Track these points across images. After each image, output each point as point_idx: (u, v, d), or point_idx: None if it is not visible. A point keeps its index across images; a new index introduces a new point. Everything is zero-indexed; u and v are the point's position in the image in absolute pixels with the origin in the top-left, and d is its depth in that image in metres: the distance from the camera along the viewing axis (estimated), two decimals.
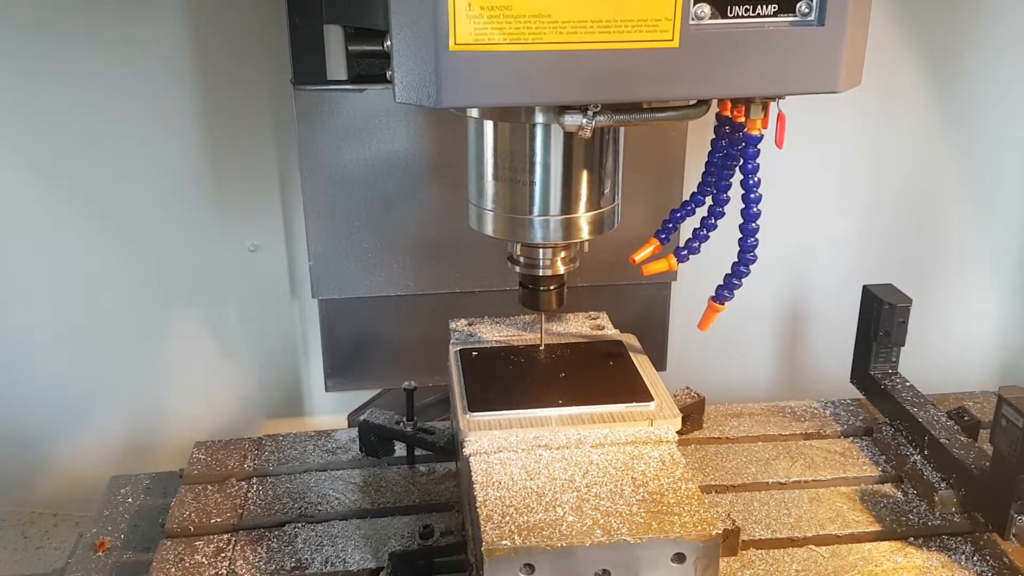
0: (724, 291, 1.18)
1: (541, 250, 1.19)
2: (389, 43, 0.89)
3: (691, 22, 0.89)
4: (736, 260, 1.15)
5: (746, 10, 0.90)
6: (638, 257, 1.26)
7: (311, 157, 1.55)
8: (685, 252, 1.24)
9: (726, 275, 1.17)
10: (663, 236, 1.26)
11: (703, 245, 1.24)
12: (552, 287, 1.22)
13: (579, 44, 0.88)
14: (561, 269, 1.21)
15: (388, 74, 0.91)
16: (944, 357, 2.00)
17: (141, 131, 1.70)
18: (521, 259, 1.21)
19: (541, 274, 1.21)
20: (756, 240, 1.13)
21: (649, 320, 1.75)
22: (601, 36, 0.88)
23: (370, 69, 1.46)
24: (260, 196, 1.79)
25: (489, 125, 1.11)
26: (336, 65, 1.45)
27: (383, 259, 1.63)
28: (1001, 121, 1.90)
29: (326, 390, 1.73)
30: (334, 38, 1.41)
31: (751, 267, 1.15)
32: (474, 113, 1.10)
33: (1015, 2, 1.81)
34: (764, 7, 0.91)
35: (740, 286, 1.17)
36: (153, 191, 1.75)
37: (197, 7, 1.64)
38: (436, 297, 1.65)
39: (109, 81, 1.66)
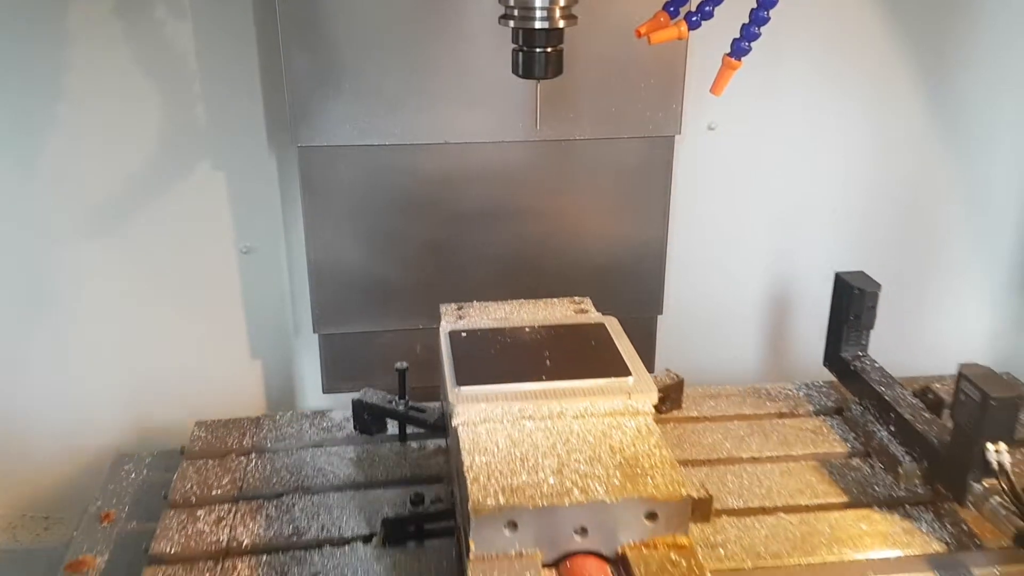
0: (741, 43, 1.11)
1: None
2: None
3: None
4: (748, 21, 1.09)
5: None
6: (644, 28, 1.18)
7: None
8: (697, 17, 1.15)
9: (743, 25, 1.10)
10: (672, 9, 1.18)
11: (716, 9, 1.14)
12: (548, 49, 1.16)
13: None
14: (560, 21, 1.14)
15: None
16: (935, 357, 1.96)
17: (134, 131, 1.66)
18: (516, 12, 1.14)
19: (538, 27, 1.14)
20: None
21: (641, 320, 1.74)
22: None
23: None
24: (257, 197, 1.75)
25: None
26: None
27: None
28: (992, 122, 1.89)
29: (323, 392, 1.73)
30: None
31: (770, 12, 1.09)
32: None
33: (1006, 2, 1.82)
34: None
35: (758, 36, 1.10)
36: (146, 192, 1.71)
37: (194, 7, 1.60)
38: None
39: (102, 81, 1.62)
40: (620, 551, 1.02)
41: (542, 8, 1.13)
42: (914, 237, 1.99)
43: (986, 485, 1.21)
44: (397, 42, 1.50)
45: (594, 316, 1.41)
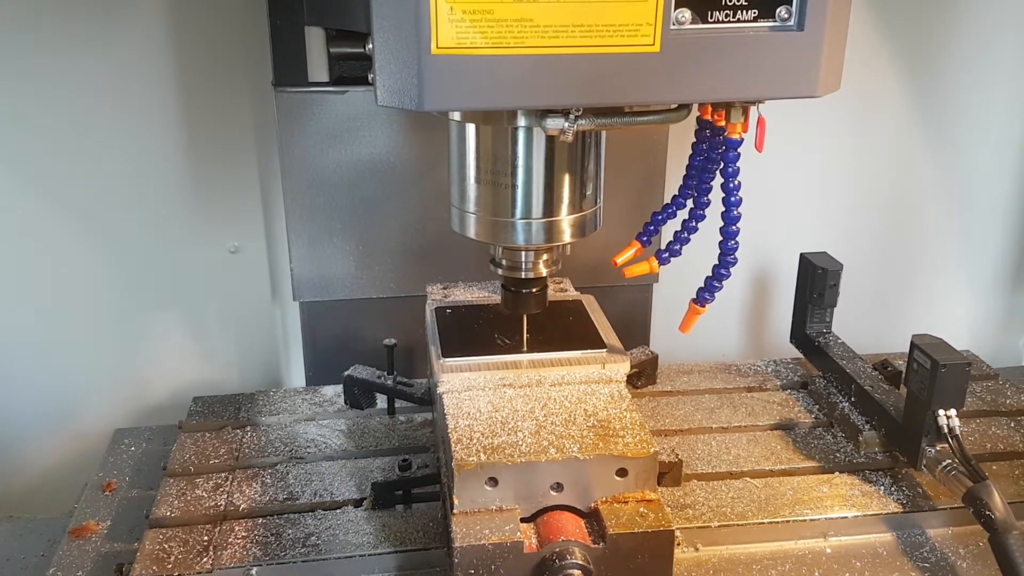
0: (705, 293, 1.20)
1: (523, 253, 1.21)
2: (371, 46, 0.90)
3: (672, 27, 0.91)
4: (717, 263, 1.16)
5: (726, 15, 0.92)
6: (620, 260, 1.29)
7: (292, 159, 1.57)
8: (666, 255, 1.26)
9: (707, 278, 1.19)
10: (644, 239, 1.28)
11: (684, 248, 1.25)
12: (534, 289, 1.26)
13: (561, 48, 0.90)
14: (543, 272, 1.23)
15: (370, 77, 0.91)
16: None
17: (122, 132, 1.69)
18: (503, 262, 1.23)
19: (523, 277, 1.23)
20: (736, 243, 1.14)
21: (632, 321, 1.78)
22: (582, 40, 0.90)
23: (352, 71, 1.45)
24: (241, 198, 1.78)
25: (471, 128, 1.13)
26: (317, 67, 1.40)
27: (364, 261, 1.65)
28: (977, 122, 1.94)
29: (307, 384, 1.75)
30: (315, 40, 1.37)
31: (731, 269, 1.16)
32: (456, 116, 1.12)
33: (990, 4, 1.86)
34: (744, 12, 0.92)
35: (721, 288, 1.19)
36: (134, 193, 1.74)
37: (178, 8, 1.63)
38: (418, 299, 1.56)
39: (89, 82, 1.64)
40: (593, 506, 1.10)
41: (527, 262, 1.23)
42: (899, 234, 2.03)
43: (938, 449, 1.29)
44: None
45: (572, 293, 1.49)
